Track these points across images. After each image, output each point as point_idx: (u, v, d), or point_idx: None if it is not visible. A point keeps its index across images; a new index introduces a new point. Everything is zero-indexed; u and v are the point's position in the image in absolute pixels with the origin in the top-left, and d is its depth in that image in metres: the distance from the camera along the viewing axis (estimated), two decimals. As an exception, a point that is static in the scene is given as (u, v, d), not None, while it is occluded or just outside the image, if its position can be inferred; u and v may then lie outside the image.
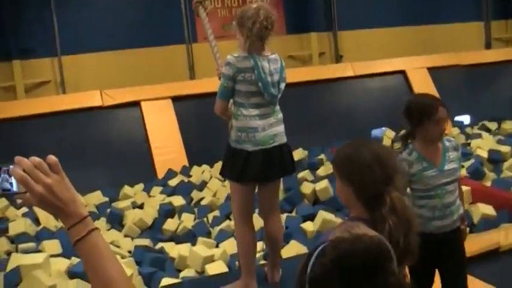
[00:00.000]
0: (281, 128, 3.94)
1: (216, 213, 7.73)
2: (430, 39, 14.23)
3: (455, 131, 11.48)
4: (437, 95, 12.45)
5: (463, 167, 8.76)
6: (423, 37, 14.26)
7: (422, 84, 12.62)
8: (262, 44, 3.83)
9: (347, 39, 14.05)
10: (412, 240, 2.23)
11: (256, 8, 3.87)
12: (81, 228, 1.47)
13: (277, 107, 3.96)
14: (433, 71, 12.78)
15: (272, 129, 3.84)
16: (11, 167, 1.47)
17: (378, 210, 2.26)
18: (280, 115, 3.95)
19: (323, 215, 6.81)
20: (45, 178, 1.45)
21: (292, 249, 5.95)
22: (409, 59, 12.99)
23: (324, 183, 7.85)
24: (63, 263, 5.90)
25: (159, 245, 6.92)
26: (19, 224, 7.45)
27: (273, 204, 4.12)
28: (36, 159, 1.46)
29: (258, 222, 7.02)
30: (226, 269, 5.77)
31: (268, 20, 3.85)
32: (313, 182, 8.29)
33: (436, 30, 14.41)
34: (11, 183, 1.50)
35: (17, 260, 5.63)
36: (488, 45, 15.37)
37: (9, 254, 6.42)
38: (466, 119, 12.64)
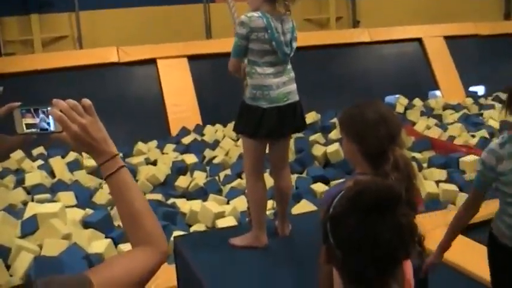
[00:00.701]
0: (294, 86, 4.02)
1: (228, 171, 7.85)
2: (448, 7, 14.11)
3: (469, 101, 11.50)
4: (452, 64, 12.47)
5: (473, 136, 8.82)
6: (441, 5, 14.14)
7: (438, 53, 12.60)
8: (274, 3, 3.88)
9: (365, 4, 13.97)
10: (415, 193, 2.36)
11: None
12: (112, 165, 1.59)
13: (290, 66, 4.03)
14: (449, 40, 12.72)
15: (286, 87, 3.92)
16: (48, 108, 1.59)
17: (382, 166, 2.37)
18: (293, 74, 4.02)
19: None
20: (80, 118, 1.57)
21: (303, 207, 6.07)
22: (426, 27, 12.92)
23: (335, 146, 7.95)
24: (78, 213, 6.08)
25: (171, 200, 7.07)
26: (35, 176, 7.62)
27: (284, 160, 4.23)
28: (72, 101, 1.58)
29: (268, 181, 7.18)
30: (236, 224, 5.91)
31: None
32: (324, 144, 8.39)
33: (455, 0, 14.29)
34: (48, 123, 1.61)
35: (34, 209, 5.79)
36: (507, 16, 15.22)
37: (25, 204, 6.60)
38: (480, 89, 12.63)
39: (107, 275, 1.48)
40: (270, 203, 6.58)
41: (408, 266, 2.02)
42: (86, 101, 1.60)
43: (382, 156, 2.40)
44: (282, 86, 3.90)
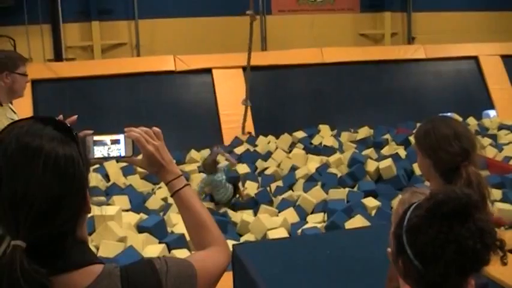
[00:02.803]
0: None
1: (279, 183, 7.90)
2: (506, 26, 13.93)
3: (525, 121, 11.32)
4: (509, 84, 12.29)
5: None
6: (499, 23, 13.97)
7: (495, 72, 12.43)
8: None
9: (421, 20, 13.90)
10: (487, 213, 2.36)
11: None
12: (179, 183, 1.81)
13: None
14: (507, 58, 12.55)
15: None
16: (120, 136, 1.81)
17: (454, 182, 2.44)
18: None
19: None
20: (153, 141, 1.80)
21: (357, 223, 6.05)
22: (482, 45, 12.78)
23: (387, 162, 7.92)
24: (133, 217, 6.21)
25: (223, 209, 7.15)
26: (91, 178, 7.77)
27: None
28: (144, 128, 1.81)
29: (319, 193, 7.20)
30: (287, 236, 5.94)
31: None
32: (376, 160, 8.37)
33: (513, 18, 14.11)
34: (119, 150, 1.82)
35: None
36: None
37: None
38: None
39: (205, 265, 1.64)
40: (321, 216, 6.64)
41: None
42: (156, 129, 1.83)
43: (455, 172, 2.47)
44: None
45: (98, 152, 1.79)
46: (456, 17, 13.90)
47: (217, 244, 1.76)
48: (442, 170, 2.56)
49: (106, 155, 1.81)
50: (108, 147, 1.80)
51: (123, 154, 1.82)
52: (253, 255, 3.92)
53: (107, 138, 1.81)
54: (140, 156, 1.82)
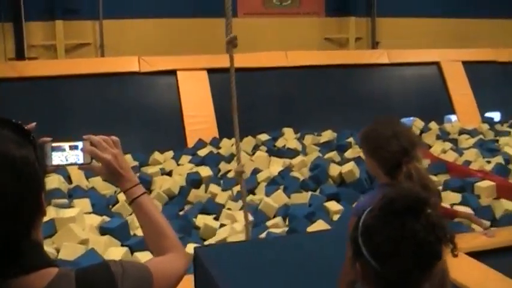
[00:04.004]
0: None
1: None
2: (467, 32, 14.16)
3: (485, 126, 11.52)
4: (469, 89, 12.51)
5: (489, 162, 8.85)
6: (461, 30, 14.19)
7: (456, 77, 12.65)
8: None
9: (385, 25, 14.05)
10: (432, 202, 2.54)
11: None
12: (137, 191, 1.85)
13: None
14: (467, 65, 12.77)
15: None
16: (79, 143, 1.82)
17: (397, 178, 2.72)
18: None
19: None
20: (111, 149, 1.83)
21: (318, 227, 6.09)
22: (444, 51, 12.99)
23: (349, 166, 8.01)
24: (95, 219, 6.16)
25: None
26: (53, 180, 7.68)
27: None
28: (103, 136, 1.85)
29: (280, 198, 7.24)
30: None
31: None
32: (339, 163, 8.45)
33: (474, 25, 14.32)
34: (77, 156, 1.83)
35: (51, 213, 5.88)
36: (526, 44, 15.24)
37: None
38: (496, 115, 12.65)
39: (161, 269, 1.66)
40: (282, 220, 6.67)
41: None
42: (114, 137, 1.87)
43: (398, 168, 2.73)
44: None
45: (57, 158, 1.80)
46: (419, 23, 14.07)
47: (175, 250, 1.79)
48: (386, 168, 2.80)
49: (64, 161, 1.81)
50: (67, 153, 1.81)
51: (81, 161, 1.83)
52: (215, 258, 3.92)
53: (66, 145, 1.82)
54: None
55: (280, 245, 4.57)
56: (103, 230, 5.90)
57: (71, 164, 1.85)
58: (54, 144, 1.80)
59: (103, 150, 1.80)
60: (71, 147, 1.82)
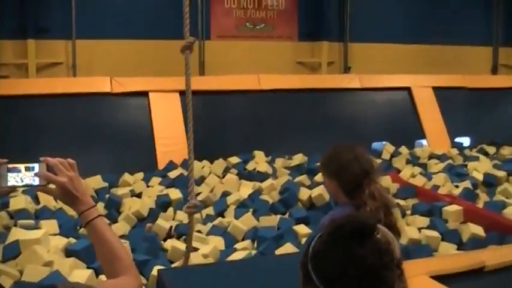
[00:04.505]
0: None
1: (210, 209, 7.87)
2: (438, 58, 14.38)
3: (454, 151, 11.66)
4: (439, 114, 12.67)
5: (457, 187, 8.95)
6: (431, 56, 14.40)
7: (426, 103, 12.81)
8: None
9: (357, 50, 14.20)
10: (393, 219, 2.83)
11: None
12: (92, 213, 1.88)
13: None
14: (438, 90, 12.96)
15: None
16: (35, 164, 1.84)
17: (359, 198, 2.87)
18: None
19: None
20: (67, 172, 1.85)
21: (286, 250, 6.09)
22: (415, 77, 13.17)
23: (319, 190, 8.02)
24: (60, 241, 6.08)
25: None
26: (19, 200, 7.58)
27: None
28: (59, 159, 1.87)
29: (249, 220, 7.24)
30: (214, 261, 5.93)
31: None
32: (309, 186, 8.47)
33: (445, 51, 14.54)
34: (33, 178, 1.85)
35: (17, 234, 5.81)
36: (494, 71, 15.51)
37: (7, 228, 6.58)
38: (465, 140, 12.82)
39: None
40: (251, 243, 6.66)
41: None
42: (70, 160, 1.89)
43: (359, 189, 2.90)
44: None
45: (12, 179, 1.80)
46: (391, 49, 14.25)
47: (128, 273, 1.82)
48: (346, 189, 2.97)
49: (20, 182, 1.81)
50: (22, 174, 1.82)
51: (37, 183, 1.84)
52: (179, 280, 3.90)
53: (21, 166, 1.82)
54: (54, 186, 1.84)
55: (248, 268, 4.58)
56: (68, 252, 5.83)
57: (26, 186, 1.86)
58: (10, 166, 1.81)
59: (59, 173, 1.82)
60: (27, 169, 1.83)
